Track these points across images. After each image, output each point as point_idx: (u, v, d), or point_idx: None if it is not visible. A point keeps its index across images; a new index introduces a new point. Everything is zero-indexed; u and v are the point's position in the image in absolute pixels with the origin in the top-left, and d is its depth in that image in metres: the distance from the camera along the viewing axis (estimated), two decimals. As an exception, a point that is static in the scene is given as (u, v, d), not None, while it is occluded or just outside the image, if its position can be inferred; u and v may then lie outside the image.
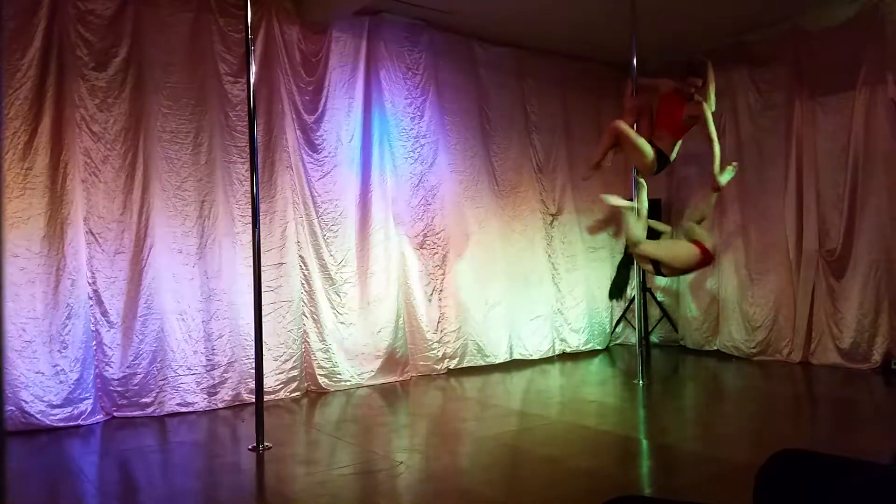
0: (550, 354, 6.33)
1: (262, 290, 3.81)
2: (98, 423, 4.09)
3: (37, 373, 3.93)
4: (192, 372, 4.46)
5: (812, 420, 4.20)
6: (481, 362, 5.82)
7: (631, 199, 4.73)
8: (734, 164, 4.70)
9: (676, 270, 4.62)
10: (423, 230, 5.66)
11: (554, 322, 6.46)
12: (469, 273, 5.88)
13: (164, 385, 4.34)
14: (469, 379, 5.31)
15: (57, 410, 3.96)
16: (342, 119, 5.26)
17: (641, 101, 4.80)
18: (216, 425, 4.14)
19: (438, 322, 5.66)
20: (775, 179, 5.89)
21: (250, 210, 3.75)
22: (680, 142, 4.66)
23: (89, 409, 4.07)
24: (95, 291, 4.24)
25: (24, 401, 3.86)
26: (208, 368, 4.52)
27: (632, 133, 4.52)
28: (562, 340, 6.51)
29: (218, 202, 4.65)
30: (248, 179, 3.88)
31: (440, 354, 5.64)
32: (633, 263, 4.91)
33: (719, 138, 6.28)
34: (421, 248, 5.65)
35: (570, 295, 6.60)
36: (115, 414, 4.22)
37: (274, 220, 4.87)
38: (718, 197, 6.30)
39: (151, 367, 4.32)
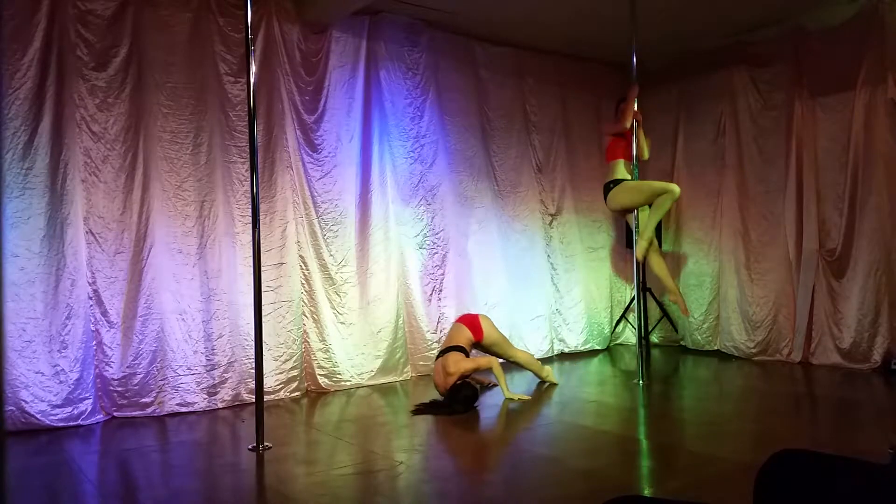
0: (550, 354, 6.34)
1: (262, 290, 3.81)
2: (98, 423, 4.09)
3: (37, 373, 3.93)
4: (192, 372, 4.46)
5: (812, 420, 4.20)
6: (481, 362, 5.82)
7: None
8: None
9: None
10: (423, 230, 5.66)
11: (553, 322, 6.46)
12: (469, 273, 5.89)
13: (164, 385, 4.35)
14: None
15: (57, 410, 3.97)
16: (342, 119, 5.26)
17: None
18: (216, 425, 4.14)
19: (438, 322, 5.67)
20: (775, 179, 5.89)
21: (250, 210, 3.75)
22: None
23: (89, 409, 4.07)
24: (95, 291, 4.24)
25: (24, 401, 3.86)
26: (208, 368, 4.52)
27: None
28: (560, 340, 6.51)
29: (218, 202, 4.65)
30: (248, 179, 3.89)
31: (440, 354, 5.64)
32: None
33: (718, 139, 6.33)
34: (421, 248, 5.65)
35: (568, 295, 6.60)
36: (115, 414, 4.23)
37: (274, 220, 4.87)
38: (717, 196, 6.35)
39: (151, 367, 4.33)
